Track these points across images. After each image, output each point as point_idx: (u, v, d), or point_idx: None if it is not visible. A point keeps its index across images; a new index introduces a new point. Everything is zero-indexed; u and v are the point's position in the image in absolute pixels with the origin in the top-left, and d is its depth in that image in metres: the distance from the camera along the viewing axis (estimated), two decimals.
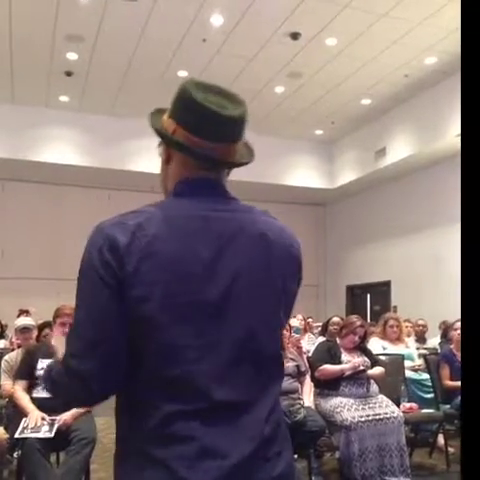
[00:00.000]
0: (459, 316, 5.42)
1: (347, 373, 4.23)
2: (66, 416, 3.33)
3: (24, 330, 4.56)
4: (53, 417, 3.33)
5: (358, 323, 4.47)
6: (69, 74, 8.87)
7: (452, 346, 5.19)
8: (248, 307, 1.11)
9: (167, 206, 1.16)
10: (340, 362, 4.30)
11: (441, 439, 4.76)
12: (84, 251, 1.12)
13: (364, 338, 4.52)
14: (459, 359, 4.96)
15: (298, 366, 4.21)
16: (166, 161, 1.24)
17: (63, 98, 9.86)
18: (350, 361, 4.29)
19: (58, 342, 1.28)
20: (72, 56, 8.35)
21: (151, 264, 1.05)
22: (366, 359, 4.38)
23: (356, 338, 4.39)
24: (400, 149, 9.99)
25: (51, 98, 9.84)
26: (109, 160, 10.47)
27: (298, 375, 4.19)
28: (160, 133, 1.21)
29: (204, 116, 1.14)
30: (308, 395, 4.24)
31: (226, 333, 1.08)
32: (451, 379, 4.87)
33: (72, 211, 11.55)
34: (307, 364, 4.40)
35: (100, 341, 1.05)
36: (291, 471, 1.16)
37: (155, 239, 1.07)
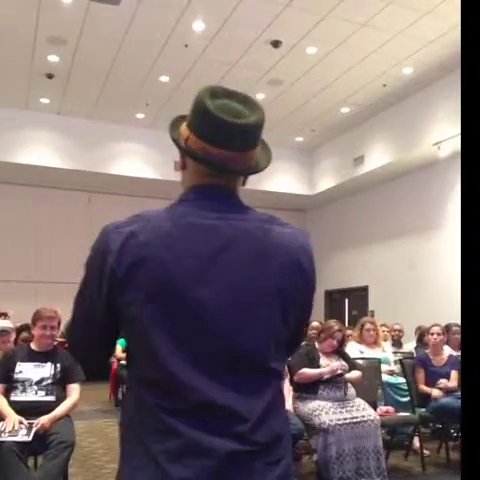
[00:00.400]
0: (434, 321, 5.53)
1: (325, 377, 4.27)
2: (44, 420, 3.31)
3: (2, 333, 4.51)
4: (31, 421, 3.29)
5: (336, 327, 4.52)
6: (50, 76, 8.83)
7: (427, 351, 5.28)
8: (235, 318, 1.10)
9: (166, 212, 1.18)
10: (318, 366, 4.35)
11: (416, 442, 4.83)
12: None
13: (342, 342, 4.57)
14: (434, 363, 5.05)
15: None
16: (182, 167, 1.26)
17: (44, 100, 9.80)
18: (328, 365, 4.34)
19: None
20: (53, 58, 8.32)
21: (140, 271, 1.08)
22: (344, 363, 4.44)
23: (334, 342, 4.45)
24: (378, 157, 10.14)
25: (31, 100, 9.77)
26: (89, 163, 10.43)
27: None
28: (174, 140, 1.23)
29: (216, 125, 1.14)
30: (287, 398, 4.27)
31: (211, 341, 1.09)
32: (426, 383, 4.95)
33: (52, 214, 11.47)
34: (286, 368, 4.44)
35: (80, 337, 1.25)
36: (288, 477, 1.17)
37: (145, 246, 1.09)
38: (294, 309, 1.19)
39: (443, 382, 4.82)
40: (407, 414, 4.79)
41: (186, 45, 7.92)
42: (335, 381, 4.29)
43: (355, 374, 4.44)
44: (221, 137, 1.14)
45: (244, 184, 1.28)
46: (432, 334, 5.19)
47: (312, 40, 7.73)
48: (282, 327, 1.16)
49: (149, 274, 1.08)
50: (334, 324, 4.56)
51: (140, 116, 10.41)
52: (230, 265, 1.11)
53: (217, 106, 1.14)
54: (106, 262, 1.10)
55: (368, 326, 5.58)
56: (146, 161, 10.87)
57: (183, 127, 1.21)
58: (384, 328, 6.94)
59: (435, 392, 4.75)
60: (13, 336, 4.49)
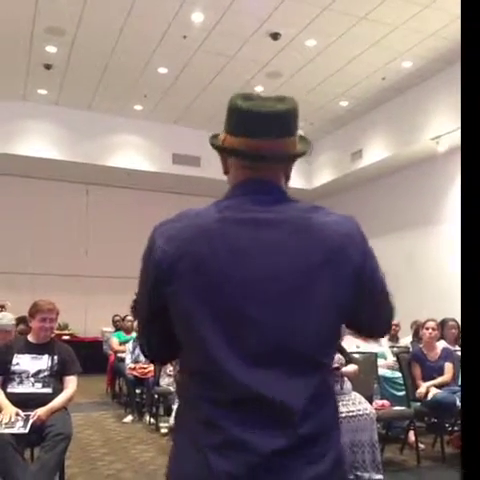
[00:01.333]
0: (429, 316, 5.55)
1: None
2: (41, 412, 3.32)
3: (3, 331, 4.43)
4: (28, 413, 3.30)
5: None
6: (48, 67, 8.77)
7: (421, 345, 5.29)
8: (280, 308, 1.11)
9: (208, 210, 1.20)
10: None
11: (412, 436, 4.85)
12: None
13: None
14: (428, 358, 5.07)
15: None
16: (225, 172, 1.31)
17: (41, 91, 9.75)
18: None
19: None
20: (51, 49, 8.27)
21: (183, 264, 1.13)
22: (340, 357, 4.45)
23: None
24: (376, 151, 10.13)
25: (29, 91, 9.72)
26: (87, 155, 10.40)
27: None
28: (212, 145, 1.29)
29: (245, 117, 1.19)
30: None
31: (255, 333, 1.10)
32: (422, 378, 4.97)
33: (50, 205, 11.44)
34: None
35: (143, 324, 1.31)
36: (333, 473, 1.14)
37: (187, 241, 1.15)
38: (347, 295, 1.16)
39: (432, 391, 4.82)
40: (403, 408, 4.81)
41: (185, 36, 7.88)
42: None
43: (351, 368, 4.45)
44: (250, 127, 1.18)
45: (289, 179, 1.30)
46: (427, 329, 5.21)
47: (311, 33, 7.70)
48: (336, 316, 1.16)
49: (191, 268, 1.13)
50: None
51: (138, 108, 10.37)
52: (272, 256, 1.12)
53: (248, 104, 1.20)
54: (153, 258, 1.16)
55: None
56: (144, 153, 10.84)
57: (221, 134, 1.27)
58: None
59: (431, 394, 4.77)
60: (13, 332, 4.46)
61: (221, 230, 1.14)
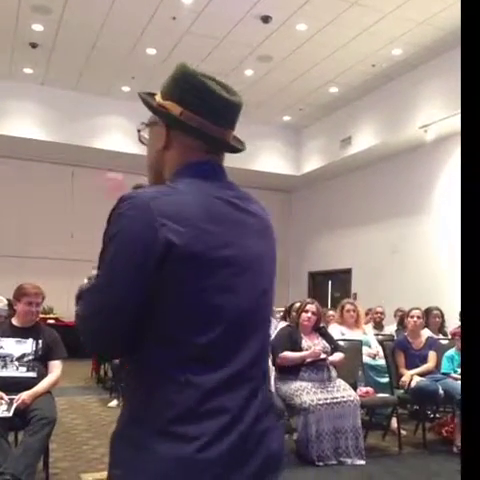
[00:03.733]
0: (414, 304, 5.59)
1: (308, 361, 4.32)
2: (25, 396, 3.30)
3: None
4: (12, 396, 3.28)
5: (308, 300, 4.67)
6: (34, 46, 8.60)
7: (406, 334, 5.34)
8: (260, 282, 1.19)
9: (189, 187, 1.14)
10: (300, 348, 4.38)
11: (394, 422, 4.92)
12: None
13: (319, 318, 4.63)
14: (413, 347, 5.12)
15: None
16: (165, 146, 1.20)
17: (27, 70, 9.57)
18: (310, 347, 4.38)
19: None
20: (38, 27, 8.09)
21: (198, 246, 1.07)
22: (326, 344, 4.48)
23: (309, 315, 4.50)
24: (365, 139, 10.12)
25: (14, 70, 9.53)
26: (73, 136, 10.24)
27: None
28: (165, 115, 1.18)
29: (214, 101, 1.17)
30: (269, 379, 4.30)
31: (255, 312, 1.16)
32: (406, 366, 5.02)
33: (35, 187, 11.28)
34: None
35: (102, 329, 1.11)
36: (283, 446, 1.22)
37: (199, 221, 1.09)
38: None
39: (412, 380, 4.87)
40: (386, 395, 4.87)
41: (174, 18, 7.76)
42: (317, 364, 4.33)
43: (338, 356, 4.49)
44: (221, 114, 1.18)
45: None
46: (412, 317, 5.26)
47: (303, 17, 7.62)
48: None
49: (210, 249, 1.08)
50: (307, 299, 4.76)
51: (126, 89, 10.22)
52: (260, 240, 1.21)
53: (211, 83, 1.17)
54: (159, 235, 1.03)
55: (348, 307, 5.63)
56: (131, 135, 10.70)
57: (163, 102, 1.19)
58: (369, 312, 7.01)
59: (414, 382, 4.81)
60: (4, 318, 4.40)
61: (220, 209, 1.14)
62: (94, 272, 1.15)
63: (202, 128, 1.16)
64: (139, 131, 1.29)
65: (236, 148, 1.26)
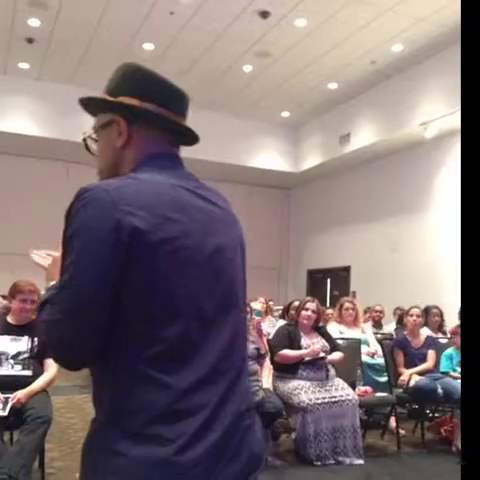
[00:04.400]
0: (414, 303, 5.57)
1: (306, 359, 4.28)
2: (21, 394, 3.27)
3: None
4: (7, 395, 3.26)
5: (307, 298, 4.65)
6: (30, 41, 8.52)
7: (406, 332, 5.32)
8: (231, 273, 1.18)
9: (150, 177, 1.11)
10: (299, 346, 4.35)
11: (393, 422, 4.89)
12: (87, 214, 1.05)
13: (319, 317, 4.59)
14: (412, 345, 5.09)
15: (258, 349, 4.23)
16: (125, 143, 1.17)
17: (23, 65, 9.49)
18: (309, 345, 4.34)
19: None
20: (34, 22, 8.02)
21: (164, 233, 1.04)
22: (325, 343, 4.44)
23: (308, 313, 4.47)
24: (364, 135, 10.08)
25: (10, 65, 9.46)
26: (69, 132, 10.15)
27: (258, 357, 4.22)
28: (127, 108, 1.16)
29: (168, 89, 1.19)
30: (267, 377, 4.27)
31: (224, 304, 1.13)
32: (405, 365, 4.99)
33: (29, 184, 11.20)
34: (267, 347, 4.43)
35: (73, 332, 1.04)
36: (262, 442, 1.20)
37: (164, 207, 1.06)
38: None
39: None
40: (385, 394, 4.83)
41: (172, 13, 7.69)
42: (316, 362, 4.29)
43: (337, 355, 4.45)
44: (177, 102, 1.20)
45: None
46: (411, 316, 5.24)
47: (302, 12, 7.57)
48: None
49: (176, 237, 1.05)
50: (307, 298, 4.73)
51: None
52: (222, 232, 1.17)
53: (162, 75, 1.20)
54: (123, 223, 0.99)
55: (347, 305, 5.60)
56: None
57: (123, 98, 1.16)
58: (368, 310, 6.99)
59: (413, 381, 4.78)
60: None
61: (183, 197, 1.11)
62: (51, 282, 1.14)
63: (167, 116, 1.16)
64: (85, 140, 1.27)
65: (196, 137, 1.25)
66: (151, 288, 1.02)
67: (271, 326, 6.22)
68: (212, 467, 1.02)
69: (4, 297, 5.30)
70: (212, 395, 1.05)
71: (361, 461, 4.16)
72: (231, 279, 1.17)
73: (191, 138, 1.25)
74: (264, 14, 7.65)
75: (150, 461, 0.98)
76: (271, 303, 8.10)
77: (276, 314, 7.56)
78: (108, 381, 1.07)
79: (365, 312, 6.66)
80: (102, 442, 1.04)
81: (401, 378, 4.89)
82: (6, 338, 3.50)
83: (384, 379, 5.20)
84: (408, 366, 4.97)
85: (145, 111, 1.15)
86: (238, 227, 1.25)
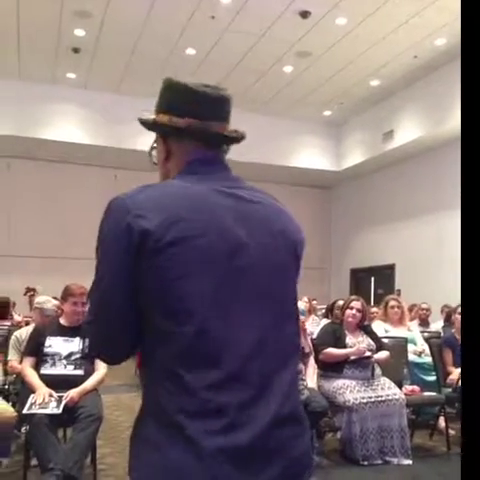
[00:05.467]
0: (460, 300, 5.45)
1: (352, 358, 4.26)
2: (73, 393, 3.38)
3: (44, 315, 4.42)
4: (60, 394, 3.37)
5: (353, 297, 4.62)
6: (76, 51, 8.81)
7: (454, 330, 5.21)
8: (270, 278, 1.14)
9: (179, 181, 1.17)
10: (344, 345, 4.33)
11: (442, 422, 4.80)
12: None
13: (364, 315, 4.55)
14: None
15: (302, 347, 4.24)
16: (166, 158, 1.25)
17: (70, 75, 9.80)
18: (355, 344, 4.32)
19: None
20: (80, 32, 8.28)
21: (176, 234, 1.06)
22: (371, 342, 4.41)
23: (353, 312, 4.44)
24: (408, 131, 9.91)
25: (58, 74, 9.78)
26: (116, 139, 10.43)
27: (302, 356, 4.22)
28: (157, 124, 1.24)
29: (196, 98, 1.20)
30: (311, 376, 4.28)
31: (248, 306, 1.11)
32: (454, 364, 4.89)
33: (79, 190, 11.53)
34: (311, 346, 4.44)
35: (105, 332, 1.14)
36: (309, 452, 1.18)
37: (177, 208, 1.09)
38: (298, 264, 1.24)
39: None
40: (433, 394, 4.75)
41: (213, 17, 7.79)
42: (362, 361, 4.27)
43: (383, 354, 4.41)
44: (206, 109, 1.19)
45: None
46: (459, 314, 5.12)
47: (342, 11, 7.53)
48: (295, 281, 1.22)
49: (189, 237, 1.07)
50: (352, 296, 4.71)
51: None
52: (255, 231, 1.14)
53: (193, 84, 1.21)
54: (135, 227, 1.05)
55: (392, 303, 5.52)
56: None
57: (159, 116, 1.24)
58: (414, 308, 6.88)
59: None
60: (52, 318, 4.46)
61: (209, 198, 1.12)
62: None
63: (190, 126, 1.18)
64: (150, 155, 1.35)
65: (232, 138, 1.25)
66: (163, 287, 1.06)
67: (315, 325, 6.22)
68: (233, 471, 1.03)
69: (56, 299, 5.48)
70: (235, 396, 1.05)
71: (409, 461, 4.11)
72: (258, 276, 1.12)
73: (223, 139, 1.24)
74: (304, 14, 7.66)
75: (176, 457, 1.03)
76: (314, 302, 8.08)
77: (319, 313, 7.54)
78: (144, 376, 1.16)
79: (410, 310, 6.56)
80: (138, 431, 1.11)
81: (450, 377, 4.79)
82: (59, 339, 3.63)
83: (432, 378, 5.11)
84: (457, 365, 4.87)
85: (172, 127, 1.21)
86: (286, 224, 1.21)
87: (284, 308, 1.17)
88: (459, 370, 4.78)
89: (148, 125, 1.28)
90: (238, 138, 1.26)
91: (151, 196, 1.10)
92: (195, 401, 1.04)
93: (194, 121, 1.19)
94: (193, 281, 1.06)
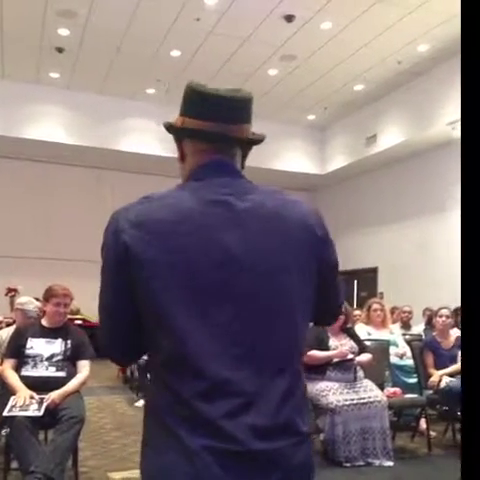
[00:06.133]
0: (443, 303, 5.51)
1: (335, 360, 4.29)
2: (55, 395, 3.34)
3: (26, 316, 4.37)
4: (42, 396, 3.32)
5: None
6: (60, 50, 8.75)
7: (435, 333, 5.27)
8: (257, 287, 1.12)
9: (177, 191, 1.20)
10: (327, 347, 4.35)
11: (423, 423, 4.85)
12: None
13: (347, 318, 4.56)
14: (442, 346, 5.04)
15: None
16: (181, 158, 1.28)
17: (53, 74, 9.73)
18: (338, 346, 4.34)
19: None
20: (64, 32, 8.23)
21: (156, 246, 1.09)
22: (353, 344, 4.44)
23: None
24: (391, 136, 10.01)
25: (41, 74, 9.70)
26: (99, 139, 10.38)
27: None
28: (168, 129, 1.27)
29: (209, 100, 1.19)
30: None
31: (233, 315, 1.09)
32: (435, 366, 4.95)
33: (62, 190, 11.47)
34: None
35: (109, 317, 1.21)
36: (309, 462, 1.15)
37: (160, 222, 1.11)
38: (317, 274, 1.21)
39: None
40: (414, 396, 4.80)
41: (198, 19, 7.80)
42: (345, 364, 4.30)
43: (365, 357, 4.43)
44: (212, 110, 1.19)
45: (243, 167, 1.29)
46: (440, 317, 5.17)
47: (327, 15, 7.58)
48: (308, 295, 1.18)
49: (166, 249, 1.09)
50: None
51: (151, 91, 10.31)
52: (249, 238, 1.13)
53: (212, 89, 1.20)
54: (120, 241, 1.10)
55: (375, 306, 5.57)
56: (157, 137, 10.77)
57: (177, 119, 1.26)
58: (395, 310, 6.93)
59: (443, 382, 4.73)
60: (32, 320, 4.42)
61: (196, 210, 1.12)
62: None
63: (200, 128, 1.20)
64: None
65: (245, 140, 1.24)
66: (146, 299, 1.10)
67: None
68: (224, 476, 1.04)
69: (38, 300, 5.43)
70: (223, 405, 1.05)
71: (391, 463, 4.14)
72: (246, 284, 1.11)
73: (231, 141, 1.23)
74: (289, 18, 7.70)
75: (170, 460, 1.06)
76: None
77: None
78: (150, 379, 1.23)
79: (392, 312, 6.61)
80: (143, 432, 1.17)
81: (431, 379, 4.84)
82: (41, 341, 3.58)
83: (413, 380, 5.16)
84: (438, 367, 4.92)
85: (182, 129, 1.23)
86: (291, 230, 1.18)
87: (279, 314, 1.14)
88: (439, 372, 4.83)
89: (166, 128, 1.30)
90: (254, 141, 1.26)
91: (143, 210, 1.13)
92: (185, 408, 1.06)
93: (204, 123, 1.19)
94: (173, 295, 1.08)
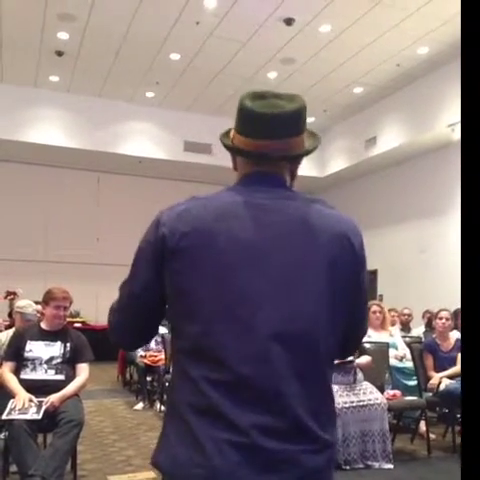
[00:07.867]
0: (443, 306, 5.51)
1: (334, 362, 4.28)
2: (54, 398, 3.34)
3: (25, 319, 4.36)
4: (41, 399, 3.32)
5: None
6: (60, 54, 8.76)
7: (434, 335, 5.26)
8: (283, 291, 1.13)
9: (217, 194, 1.25)
10: None
11: (423, 426, 4.84)
12: None
13: None
14: (442, 349, 5.04)
15: None
16: (234, 168, 1.35)
17: (53, 78, 9.74)
18: None
19: None
20: (63, 36, 8.24)
21: (191, 241, 1.15)
22: None
23: None
24: (390, 139, 10.01)
25: (41, 78, 9.71)
26: (98, 142, 10.39)
27: None
28: (223, 144, 1.33)
29: (250, 118, 1.23)
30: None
31: (260, 317, 1.11)
32: (435, 369, 4.94)
33: (61, 193, 11.47)
34: None
35: (129, 301, 1.28)
36: (328, 467, 1.15)
37: (197, 219, 1.17)
38: (344, 285, 1.19)
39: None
40: (414, 398, 4.79)
41: (197, 22, 7.81)
42: (344, 366, 4.29)
43: (365, 359, 4.43)
44: (254, 128, 1.22)
45: (294, 177, 1.34)
46: (440, 319, 5.17)
47: (326, 18, 7.59)
48: (333, 303, 1.17)
49: (201, 244, 1.15)
50: None
51: (150, 95, 10.32)
52: (278, 239, 1.16)
53: (256, 104, 1.22)
54: (158, 233, 1.18)
55: (374, 308, 5.55)
56: (156, 141, 10.79)
57: (232, 131, 1.31)
58: (393, 313, 6.92)
59: (443, 385, 4.73)
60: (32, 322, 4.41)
61: (233, 210, 1.18)
62: None
63: (244, 146, 1.24)
64: None
65: (283, 157, 1.26)
66: (176, 289, 1.17)
67: None
68: (237, 467, 1.06)
69: (37, 303, 5.43)
70: (234, 401, 1.08)
71: (390, 465, 4.13)
72: (273, 285, 1.13)
73: (259, 157, 1.25)
74: (289, 21, 7.71)
75: (181, 451, 1.10)
76: None
77: None
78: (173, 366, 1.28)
79: (392, 315, 6.60)
80: (164, 416, 1.23)
81: (431, 382, 4.84)
82: (40, 344, 3.58)
83: (413, 383, 5.16)
84: (438, 370, 4.91)
85: (227, 148, 1.30)
86: (321, 239, 1.18)
87: (303, 316, 1.14)
88: (439, 375, 4.83)
89: (222, 142, 1.35)
90: (300, 154, 1.28)
91: (184, 208, 1.20)
92: (201, 400, 1.09)
93: (243, 139, 1.24)
94: (202, 286, 1.14)
